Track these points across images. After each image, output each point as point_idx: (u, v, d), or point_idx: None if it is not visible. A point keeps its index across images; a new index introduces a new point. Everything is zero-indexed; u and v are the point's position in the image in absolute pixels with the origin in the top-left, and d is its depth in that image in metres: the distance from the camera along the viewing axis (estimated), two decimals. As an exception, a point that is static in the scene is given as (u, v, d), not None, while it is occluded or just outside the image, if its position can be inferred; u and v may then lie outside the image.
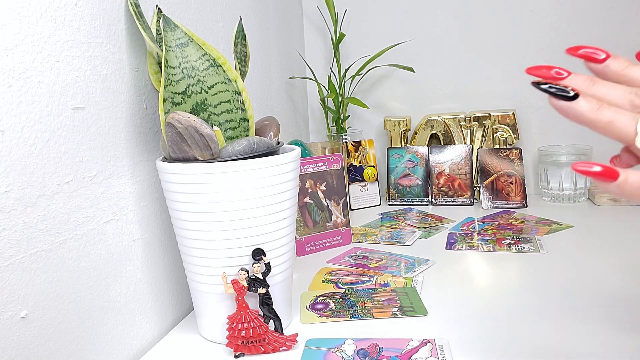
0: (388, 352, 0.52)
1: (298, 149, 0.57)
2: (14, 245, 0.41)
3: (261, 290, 0.53)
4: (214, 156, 0.52)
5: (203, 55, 0.54)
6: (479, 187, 1.11)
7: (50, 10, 0.45)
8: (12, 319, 0.41)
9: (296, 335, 0.54)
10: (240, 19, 0.62)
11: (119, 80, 0.55)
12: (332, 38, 1.18)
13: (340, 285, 0.70)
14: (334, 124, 1.21)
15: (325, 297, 0.66)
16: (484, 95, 1.19)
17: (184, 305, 0.67)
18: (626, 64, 0.38)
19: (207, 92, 0.54)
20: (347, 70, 1.19)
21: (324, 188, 0.86)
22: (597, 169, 0.35)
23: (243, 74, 0.60)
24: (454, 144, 1.16)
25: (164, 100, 0.53)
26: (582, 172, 0.36)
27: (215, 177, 0.50)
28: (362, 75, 1.20)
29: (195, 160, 0.52)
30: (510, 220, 0.97)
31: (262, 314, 0.53)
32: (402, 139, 1.21)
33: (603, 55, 0.40)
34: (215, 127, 0.54)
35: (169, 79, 0.53)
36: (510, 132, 1.13)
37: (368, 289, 0.68)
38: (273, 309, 0.54)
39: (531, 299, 0.63)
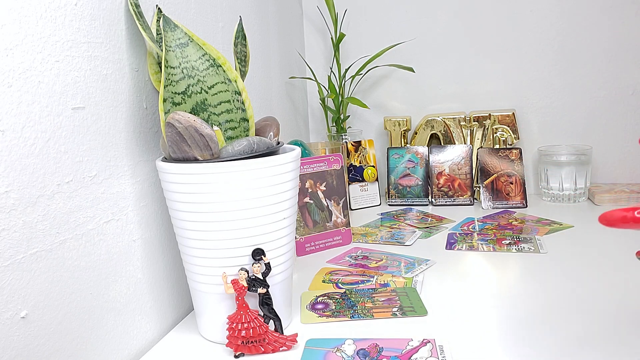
0: (388, 352, 0.52)
1: (298, 149, 0.57)
2: (14, 245, 0.41)
3: (261, 290, 0.53)
4: (214, 156, 0.52)
5: (203, 55, 0.54)
6: (479, 187, 1.11)
7: (50, 10, 0.45)
8: (12, 319, 0.41)
9: (296, 335, 0.54)
10: (240, 19, 0.62)
11: (119, 80, 0.55)
12: (332, 38, 1.18)
13: (340, 285, 0.70)
14: (334, 124, 1.21)
15: (325, 297, 0.66)
16: (484, 95, 1.19)
17: (184, 305, 0.67)
18: None
19: (207, 92, 0.54)
20: (347, 70, 1.19)
21: (324, 188, 0.86)
22: None
23: (243, 74, 0.60)
24: (454, 144, 1.16)
25: (164, 100, 0.53)
26: None
27: (215, 177, 0.50)
28: (362, 75, 1.20)
29: (195, 160, 0.52)
30: (510, 220, 0.97)
31: (262, 314, 0.53)
32: (402, 139, 1.21)
33: None
34: (215, 127, 0.54)
35: (169, 79, 0.53)
36: (510, 132, 1.13)
37: (368, 289, 0.68)
38: (273, 309, 0.54)
39: (531, 298, 0.63)
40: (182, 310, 0.66)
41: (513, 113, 1.13)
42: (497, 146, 1.14)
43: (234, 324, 0.52)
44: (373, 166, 1.14)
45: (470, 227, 0.94)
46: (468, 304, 0.62)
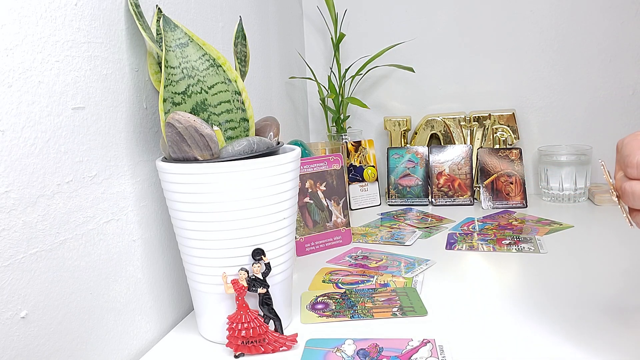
0: (388, 352, 0.52)
1: (298, 149, 0.57)
2: (14, 245, 0.41)
3: (261, 290, 0.53)
4: (214, 156, 0.52)
5: (203, 55, 0.54)
6: (479, 187, 1.11)
7: (50, 10, 0.45)
8: (12, 319, 0.41)
9: (296, 335, 0.54)
10: (240, 19, 0.62)
11: (119, 80, 0.55)
12: (332, 38, 1.18)
13: (340, 285, 0.70)
14: (334, 124, 1.21)
15: (325, 297, 0.66)
16: (484, 95, 1.19)
17: (184, 305, 0.67)
18: None
19: (207, 92, 0.54)
20: (347, 70, 1.19)
21: (324, 188, 0.86)
22: None
23: (243, 74, 0.60)
24: (454, 144, 1.16)
25: (164, 100, 0.53)
26: None
27: (215, 177, 0.50)
28: (362, 75, 1.20)
29: (195, 160, 0.52)
30: (510, 220, 0.97)
31: (262, 314, 0.53)
32: (402, 139, 1.21)
33: None
34: (215, 127, 0.54)
35: (169, 79, 0.53)
36: (510, 132, 1.13)
37: (368, 289, 0.68)
38: (273, 309, 0.54)
39: (531, 299, 0.63)
40: (182, 310, 0.66)
41: (513, 113, 1.13)
42: (497, 146, 1.14)
43: (234, 324, 0.52)
44: (373, 166, 1.14)
45: (470, 227, 0.94)
46: (468, 304, 0.62)
